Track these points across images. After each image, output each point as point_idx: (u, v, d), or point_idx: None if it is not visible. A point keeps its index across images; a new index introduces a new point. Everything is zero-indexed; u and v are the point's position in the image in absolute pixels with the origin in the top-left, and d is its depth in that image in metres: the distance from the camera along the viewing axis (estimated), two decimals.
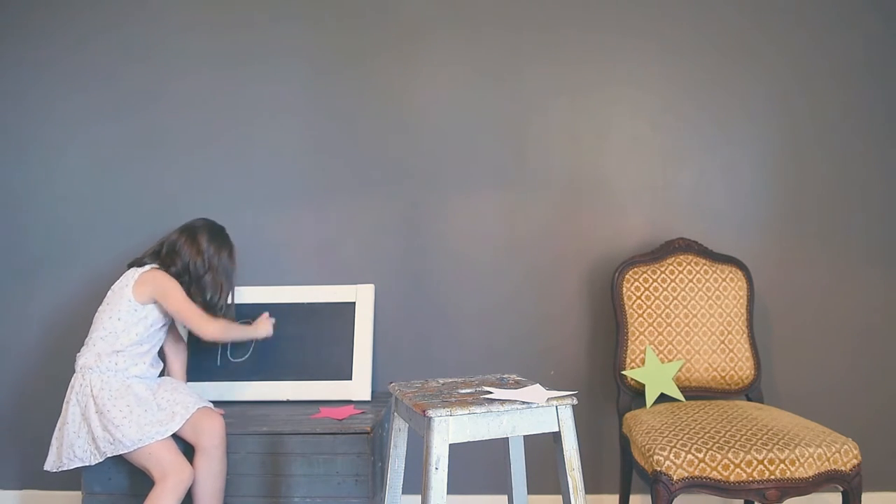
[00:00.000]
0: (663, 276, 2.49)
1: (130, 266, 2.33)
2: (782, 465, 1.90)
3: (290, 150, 2.74)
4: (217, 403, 2.35)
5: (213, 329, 2.29)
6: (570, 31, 2.69)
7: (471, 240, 2.71)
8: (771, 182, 2.66)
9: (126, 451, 2.09)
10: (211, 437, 2.13)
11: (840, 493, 1.98)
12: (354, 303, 2.65)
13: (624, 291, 2.48)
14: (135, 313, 2.22)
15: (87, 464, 2.13)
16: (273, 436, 2.23)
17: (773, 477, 1.89)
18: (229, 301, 2.41)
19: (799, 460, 1.90)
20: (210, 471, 2.13)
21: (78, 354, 2.23)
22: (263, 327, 2.49)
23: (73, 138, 2.77)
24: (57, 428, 2.19)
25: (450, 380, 1.92)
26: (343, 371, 2.57)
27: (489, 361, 2.68)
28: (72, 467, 2.14)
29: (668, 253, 2.53)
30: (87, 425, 2.12)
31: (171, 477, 2.07)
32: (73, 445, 2.13)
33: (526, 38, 2.70)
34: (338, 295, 2.67)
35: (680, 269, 2.50)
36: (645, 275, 2.49)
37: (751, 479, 1.89)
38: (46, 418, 2.75)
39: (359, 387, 2.54)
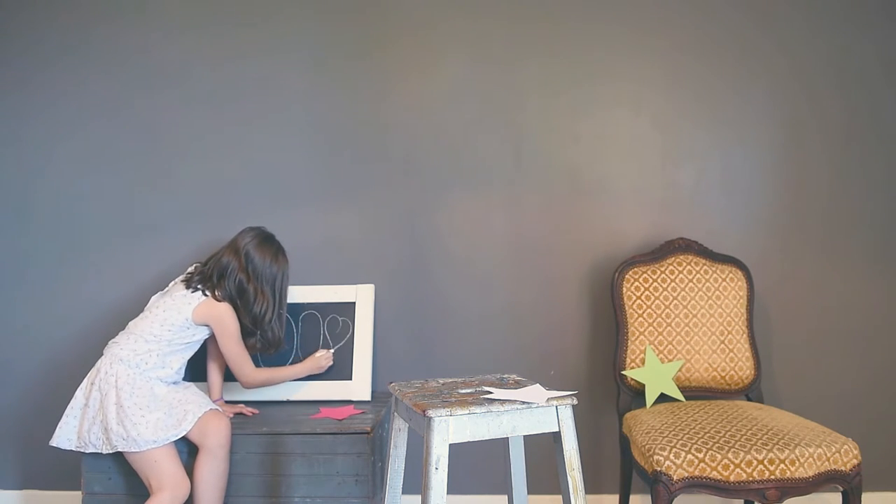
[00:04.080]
0: (663, 276, 2.49)
1: (186, 285, 2.31)
2: (782, 465, 1.90)
3: (289, 151, 2.74)
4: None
5: (255, 379, 2.37)
6: (571, 33, 2.69)
7: (471, 240, 2.71)
8: (771, 182, 2.66)
9: (137, 451, 2.10)
10: (217, 438, 2.14)
11: (840, 493, 1.99)
12: (354, 303, 2.65)
13: (624, 291, 2.48)
14: (186, 330, 2.27)
15: (100, 452, 2.15)
16: (273, 436, 2.23)
17: (773, 477, 1.89)
18: (280, 311, 2.40)
19: (799, 460, 1.90)
20: (212, 471, 2.14)
21: (112, 341, 2.26)
22: (311, 364, 2.49)
23: (70, 136, 2.77)
24: (75, 407, 2.21)
25: (450, 380, 1.92)
26: (343, 371, 2.57)
27: (489, 361, 2.68)
28: (87, 451, 2.17)
29: (668, 253, 2.53)
30: (103, 414, 2.14)
31: (167, 491, 2.09)
32: (90, 430, 2.16)
33: (527, 40, 2.69)
34: (338, 295, 2.67)
35: (680, 269, 2.50)
36: (645, 275, 2.49)
37: (751, 479, 1.90)
38: (47, 419, 2.75)
39: (359, 387, 2.54)
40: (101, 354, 2.24)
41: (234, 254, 2.33)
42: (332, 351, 2.56)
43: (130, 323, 2.31)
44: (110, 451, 2.13)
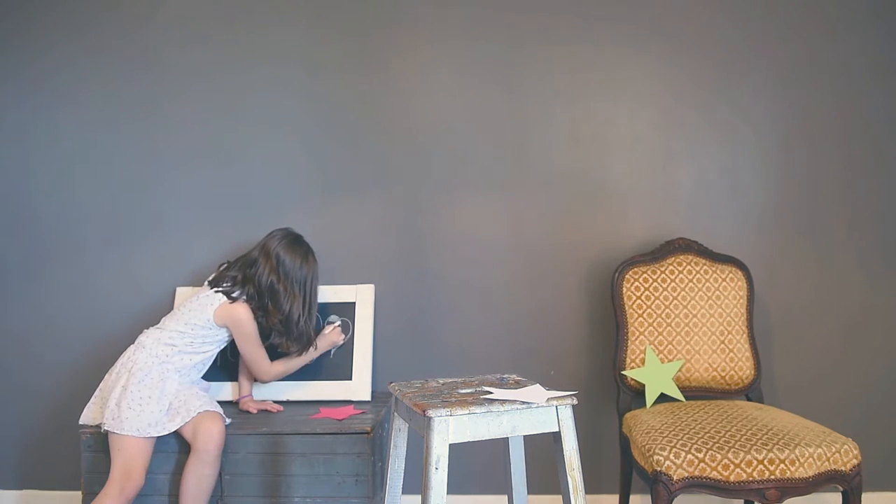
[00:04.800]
0: (663, 276, 2.49)
1: (213, 285, 2.37)
2: (782, 465, 1.90)
3: (290, 152, 2.74)
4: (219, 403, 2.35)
5: (272, 373, 2.42)
6: (570, 32, 2.68)
7: (471, 240, 2.71)
8: (771, 182, 2.66)
9: (117, 432, 2.12)
10: (205, 441, 2.15)
11: (840, 493, 1.99)
12: (354, 303, 2.65)
13: (624, 291, 2.48)
14: (209, 331, 2.32)
15: (98, 426, 2.21)
16: (273, 436, 2.23)
17: (773, 477, 1.89)
18: (309, 312, 2.42)
19: (799, 460, 1.90)
20: (196, 473, 2.15)
21: (146, 330, 2.33)
22: (324, 343, 2.51)
23: (71, 144, 2.77)
24: (104, 388, 2.26)
25: (450, 380, 1.92)
26: (343, 371, 2.57)
27: (489, 361, 2.68)
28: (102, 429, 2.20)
29: (668, 253, 2.53)
30: (110, 392, 2.20)
31: (116, 484, 2.10)
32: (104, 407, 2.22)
33: (527, 39, 2.69)
34: (338, 295, 2.67)
35: (680, 269, 2.50)
36: (645, 275, 2.49)
37: (751, 479, 1.89)
38: (46, 419, 2.76)
39: (359, 387, 2.54)
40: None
41: (265, 256, 2.38)
42: (338, 323, 2.56)
43: (163, 318, 2.37)
44: (103, 429, 2.17)
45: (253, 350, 2.36)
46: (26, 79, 2.78)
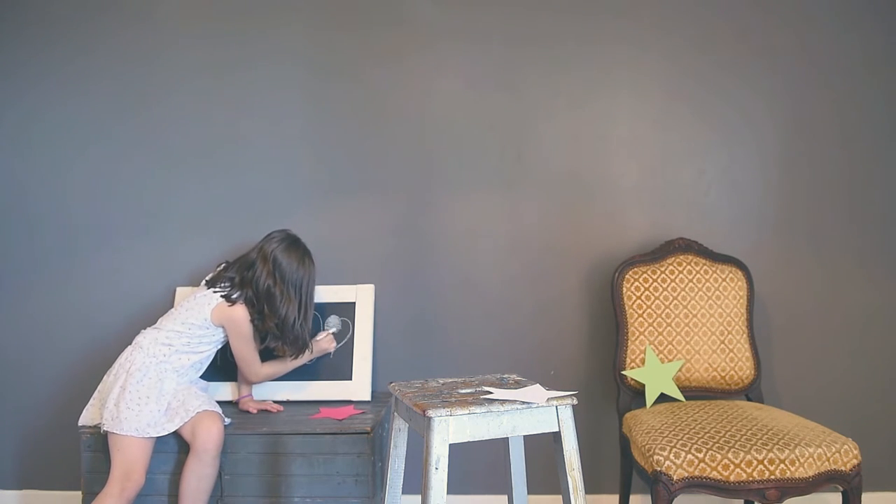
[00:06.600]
0: (663, 276, 2.49)
1: (210, 285, 2.38)
2: (782, 465, 1.90)
3: (289, 152, 2.74)
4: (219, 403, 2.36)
5: (262, 375, 2.42)
6: (571, 31, 2.68)
7: (471, 240, 2.71)
8: (771, 182, 2.66)
9: (117, 432, 2.13)
10: (204, 442, 2.15)
11: (840, 493, 1.99)
12: (354, 303, 2.65)
13: (624, 291, 2.48)
14: (206, 330, 2.32)
15: (98, 427, 2.22)
16: (273, 436, 2.23)
17: (773, 477, 1.89)
18: (305, 315, 2.41)
19: (799, 460, 1.90)
20: (195, 473, 2.15)
21: (143, 330, 2.34)
22: (317, 347, 2.51)
23: (71, 144, 2.77)
24: (102, 390, 2.27)
25: (450, 380, 1.92)
26: (343, 371, 2.57)
27: (489, 361, 2.68)
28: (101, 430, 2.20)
29: (668, 253, 2.53)
30: (108, 393, 2.21)
31: (117, 484, 2.10)
32: (102, 408, 2.22)
33: (527, 39, 2.69)
34: (338, 295, 2.67)
35: (680, 269, 2.50)
36: (645, 275, 2.49)
37: (751, 479, 1.90)
38: (46, 419, 2.76)
39: (359, 387, 2.54)
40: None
41: (262, 258, 2.37)
42: (331, 331, 2.57)
43: (160, 318, 2.37)
44: (102, 430, 2.17)
45: (246, 350, 2.36)
46: (22, 79, 2.78)
